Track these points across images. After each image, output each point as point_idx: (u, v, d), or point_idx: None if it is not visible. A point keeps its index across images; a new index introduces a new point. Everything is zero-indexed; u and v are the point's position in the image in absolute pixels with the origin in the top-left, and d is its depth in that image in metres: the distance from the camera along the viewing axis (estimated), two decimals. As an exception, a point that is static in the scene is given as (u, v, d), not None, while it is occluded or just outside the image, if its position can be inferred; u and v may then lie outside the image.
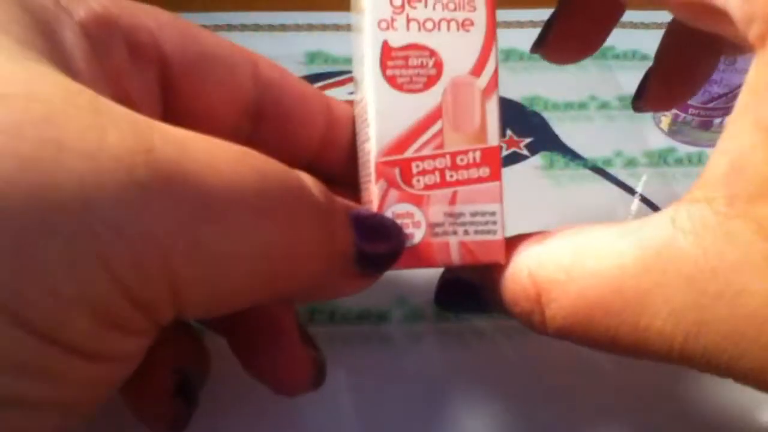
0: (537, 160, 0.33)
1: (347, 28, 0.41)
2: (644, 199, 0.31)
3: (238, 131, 0.20)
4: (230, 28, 0.40)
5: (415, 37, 0.18)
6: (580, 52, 0.23)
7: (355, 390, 0.24)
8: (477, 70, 0.19)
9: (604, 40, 0.23)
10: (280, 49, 0.39)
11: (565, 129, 0.35)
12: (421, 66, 0.18)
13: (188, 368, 0.19)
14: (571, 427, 0.23)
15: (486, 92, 0.19)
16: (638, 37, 0.41)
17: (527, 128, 0.35)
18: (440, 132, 0.18)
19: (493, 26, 0.19)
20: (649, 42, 0.41)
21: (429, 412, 0.23)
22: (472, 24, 0.19)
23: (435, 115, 0.18)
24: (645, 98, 0.23)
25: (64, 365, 0.12)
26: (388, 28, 0.18)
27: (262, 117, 0.20)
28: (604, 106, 0.36)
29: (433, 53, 0.18)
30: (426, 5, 0.18)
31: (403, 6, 0.18)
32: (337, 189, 0.19)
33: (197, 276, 0.13)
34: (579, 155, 0.33)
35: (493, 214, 0.19)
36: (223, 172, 0.13)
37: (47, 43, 0.14)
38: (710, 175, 0.15)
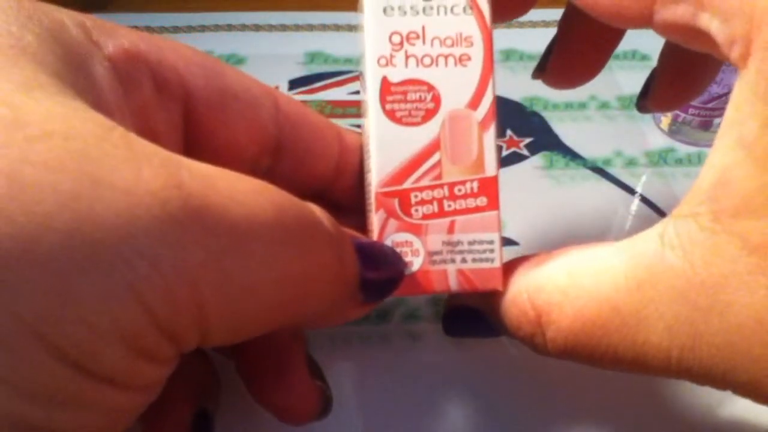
0: (537, 160, 0.33)
1: (347, 28, 0.41)
2: (644, 199, 0.31)
3: (257, 165, 0.20)
4: (230, 28, 0.40)
5: (413, 72, 0.19)
6: (580, 77, 0.23)
7: (354, 389, 0.24)
8: (474, 103, 0.19)
9: (604, 64, 0.23)
10: (280, 49, 0.39)
11: (565, 129, 0.35)
12: (420, 100, 0.19)
13: (206, 402, 0.19)
14: (571, 427, 0.23)
15: (483, 124, 0.19)
16: (638, 37, 0.41)
17: (527, 128, 0.35)
18: (438, 163, 0.19)
19: (490, 60, 0.19)
20: (649, 42, 0.41)
21: (428, 412, 0.23)
22: (469, 59, 0.19)
23: (433, 147, 0.19)
24: (650, 99, 0.23)
25: (95, 395, 0.12)
26: (387, 64, 0.19)
27: (280, 151, 0.20)
28: (604, 106, 0.36)
29: (431, 88, 0.19)
30: (424, 42, 0.19)
31: (401, 43, 0.19)
32: (346, 216, 0.20)
33: (223, 305, 0.13)
34: (579, 155, 0.33)
35: (491, 242, 0.19)
36: (245, 205, 0.14)
37: (80, 77, 0.14)
38: (696, 191, 0.15)
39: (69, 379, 0.12)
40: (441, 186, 0.19)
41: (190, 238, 0.12)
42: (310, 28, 0.41)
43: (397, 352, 0.25)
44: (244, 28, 0.40)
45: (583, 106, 0.36)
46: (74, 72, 0.14)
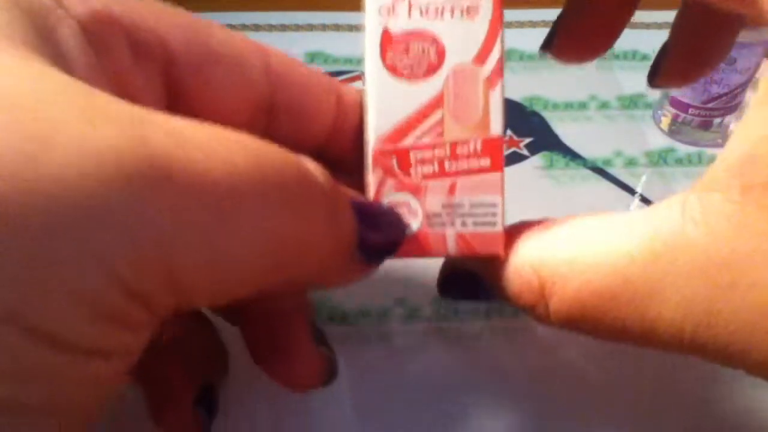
0: (537, 160, 0.33)
1: (347, 28, 0.41)
2: (644, 199, 0.31)
3: (251, 126, 0.19)
4: (230, 27, 0.40)
5: (416, 23, 0.18)
6: (589, 52, 0.22)
7: (354, 389, 0.24)
8: (480, 58, 0.18)
9: (614, 39, 0.22)
10: (280, 49, 0.39)
11: (565, 129, 0.35)
12: (423, 54, 0.18)
13: (210, 377, 0.19)
14: (571, 427, 0.23)
15: (489, 81, 0.18)
16: (638, 37, 0.41)
17: (527, 128, 0.35)
18: (441, 121, 0.18)
19: (499, 14, 0.18)
20: (649, 42, 0.41)
21: (428, 411, 0.23)
22: (477, 11, 0.18)
23: (435, 104, 0.18)
24: (661, 73, 0.22)
25: (63, 365, 0.12)
26: (389, 14, 0.18)
27: (274, 110, 0.20)
28: (604, 106, 0.36)
29: (435, 40, 0.18)
30: None
31: None
32: (345, 176, 0.19)
33: (198, 268, 0.13)
34: (579, 155, 0.33)
35: (493, 205, 0.18)
36: (220, 160, 0.13)
37: (42, 40, 0.13)
38: (724, 164, 0.14)
39: (33, 351, 0.11)
40: (442, 145, 0.18)
41: (155, 198, 0.12)
42: (310, 28, 0.41)
43: (397, 352, 0.25)
44: (244, 28, 0.40)
45: (583, 106, 0.36)
46: (36, 35, 0.13)
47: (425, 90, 0.18)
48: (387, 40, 0.18)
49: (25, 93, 0.11)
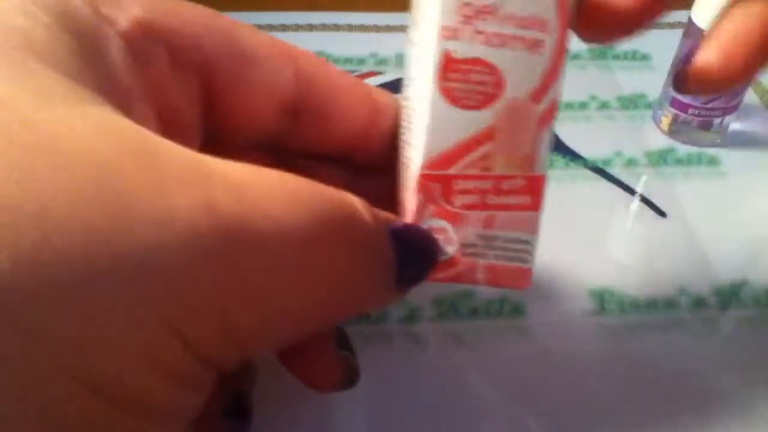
0: (537, 160, 0.33)
1: (347, 28, 0.41)
2: (644, 199, 0.31)
3: (277, 127, 0.19)
4: (230, 28, 0.40)
5: (479, 51, 0.17)
6: (616, 27, 0.19)
7: (355, 390, 0.24)
8: (537, 95, 0.18)
9: (650, 15, 0.20)
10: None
11: (565, 129, 0.35)
12: (481, 83, 0.17)
13: (239, 385, 0.19)
14: (570, 426, 0.23)
15: (542, 121, 0.18)
16: (638, 37, 0.41)
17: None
18: (489, 154, 0.18)
19: (562, 52, 0.18)
20: (649, 42, 0.41)
21: (428, 411, 0.23)
22: (541, 46, 0.17)
23: (486, 136, 0.18)
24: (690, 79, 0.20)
25: (123, 424, 0.12)
26: (452, 38, 0.17)
27: (302, 112, 0.20)
28: (604, 106, 0.36)
29: (494, 71, 0.17)
30: (496, 18, 0.17)
31: (472, 16, 0.17)
32: (371, 179, 0.19)
33: (258, 323, 0.13)
34: (579, 155, 0.33)
35: (527, 242, 0.19)
36: (281, 220, 0.13)
37: (94, 68, 0.13)
38: None
39: (94, 409, 0.11)
40: (488, 177, 0.18)
41: (223, 265, 0.12)
42: (310, 28, 0.41)
43: (397, 353, 0.25)
44: (244, 28, 0.40)
45: (583, 106, 0.36)
46: (88, 63, 0.13)
47: (478, 120, 0.18)
48: (447, 64, 0.17)
49: (99, 160, 0.11)
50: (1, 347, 0.10)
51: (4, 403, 0.11)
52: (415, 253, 0.17)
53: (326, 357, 0.19)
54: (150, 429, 0.13)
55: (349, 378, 0.20)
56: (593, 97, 0.37)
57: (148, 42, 0.16)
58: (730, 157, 0.34)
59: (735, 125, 0.35)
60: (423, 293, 0.27)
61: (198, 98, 0.18)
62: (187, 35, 0.17)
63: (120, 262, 0.11)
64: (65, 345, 0.11)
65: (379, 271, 0.16)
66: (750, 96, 0.37)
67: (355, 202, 0.15)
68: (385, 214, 0.17)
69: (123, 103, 0.13)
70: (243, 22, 0.19)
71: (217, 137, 0.19)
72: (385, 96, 0.21)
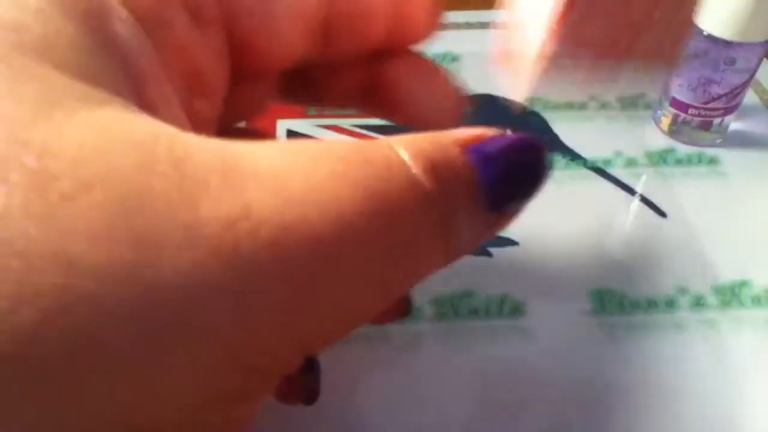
0: (537, 160, 0.33)
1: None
2: (644, 199, 0.31)
3: (305, 51, 0.18)
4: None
5: None
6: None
7: (354, 389, 0.24)
8: None
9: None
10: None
11: (565, 129, 0.35)
12: None
13: None
14: (570, 426, 0.23)
15: None
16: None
17: (527, 128, 0.35)
18: None
19: None
20: (649, 42, 0.41)
21: (428, 412, 0.23)
22: None
23: None
24: None
25: None
26: None
27: (329, 31, 0.18)
28: (604, 106, 0.36)
29: None
30: None
31: None
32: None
33: (318, 326, 0.12)
34: (579, 155, 0.33)
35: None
36: (325, 208, 0.11)
37: (100, 56, 0.12)
38: None
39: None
40: None
41: (271, 276, 0.11)
42: (310, 27, 0.41)
43: (397, 352, 0.25)
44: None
45: (583, 106, 0.36)
46: (93, 52, 0.11)
47: None
48: None
49: (114, 179, 0.10)
50: (39, 409, 0.09)
51: None
52: (511, 172, 0.14)
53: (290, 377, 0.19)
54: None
55: (309, 399, 0.21)
56: (593, 97, 0.37)
57: (164, 7, 0.14)
58: (730, 157, 0.34)
59: (735, 125, 0.35)
60: (423, 293, 0.27)
61: (222, 50, 0.16)
62: None
63: (155, 297, 0.10)
64: (106, 400, 0.10)
65: (457, 223, 0.13)
66: (750, 96, 0.37)
67: (405, 157, 0.13)
68: (458, 134, 0.14)
69: (138, 89, 0.12)
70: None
71: (242, 77, 0.17)
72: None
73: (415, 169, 0.12)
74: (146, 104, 0.12)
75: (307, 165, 0.11)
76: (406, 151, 0.12)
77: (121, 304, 0.09)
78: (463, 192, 0.13)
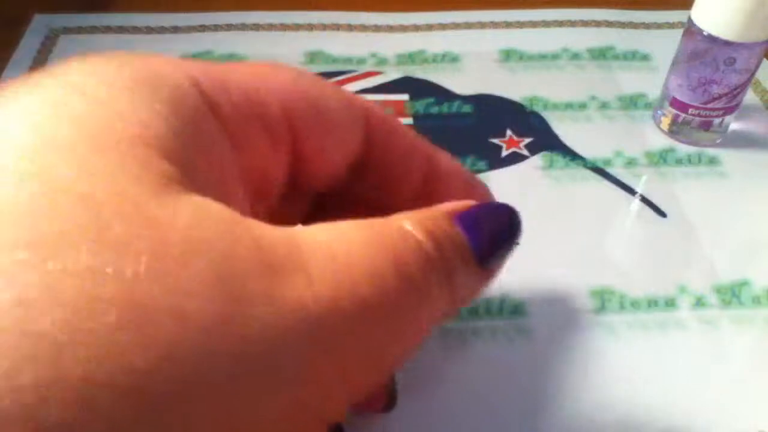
0: (537, 160, 0.33)
1: (347, 28, 0.41)
2: (644, 199, 0.31)
3: (343, 180, 0.20)
4: (230, 27, 0.40)
5: None
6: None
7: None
8: None
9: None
10: (280, 49, 0.39)
11: (565, 129, 0.35)
12: None
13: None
14: (571, 426, 0.23)
15: None
16: (638, 37, 0.41)
17: (527, 128, 0.35)
18: None
19: None
20: (649, 42, 0.41)
21: (428, 412, 0.23)
22: None
23: None
24: None
25: None
26: None
27: (365, 170, 0.20)
28: (604, 106, 0.36)
29: None
30: None
31: None
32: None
33: (370, 379, 0.14)
34: (579, 155, 0.33)
35: None
36: (372, 279, 0.14)
37: (200, 159, 0.14)
38: None
39: None
40: None
41: (332, 330, 0.13)
42: (310, 27, 0.41)
43: (397, 353, 0.25)
44: (244, 27, 0.40)
45: (583, 106, 0.36)
46: (195, 154, 0.14)
47: None
48: None
49: (212, 249, 0.12)
50: None
51: None
52: (493, 231, 0.17)
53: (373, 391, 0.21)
54: None
55: (390, 404, 0.22)
56: (593, 97, 0.37)
57: (249, 126, 0.16)
58: (730, 157, 0.34)
59: (735, 125, 0.35)
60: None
61: (288, 166, 0.18)
62: (279, 106, 0.17)
63: (248, 346, 0.12)
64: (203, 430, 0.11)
65: (456, 278, 0.16)
66: (750, 96, 0.37)
67: (420, 236, 0.16)
68: (441, 209, 0.17)
69: (222, 190, 0.14)
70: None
71: (291, 188, 0.19)
72: (446, 159, 0.21)
73: (420, 236, 0.15)
74: (228, 202, 0.14)
75: (346, 238, 0.14)
76: (409, 221, 0.15)
77: (222, 351, 0.11)
78: (459, 254, 0.16)
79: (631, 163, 0.33)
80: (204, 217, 0.12)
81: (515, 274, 0.28)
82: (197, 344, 0.11)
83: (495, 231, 0.17)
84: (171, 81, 0.14)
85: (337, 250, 0.14)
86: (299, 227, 0.14)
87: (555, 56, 0.39)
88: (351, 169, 0.20)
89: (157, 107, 0.13)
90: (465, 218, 0.17)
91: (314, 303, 0.13)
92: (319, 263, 0.13)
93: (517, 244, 0.18)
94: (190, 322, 0.11)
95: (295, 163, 0.18)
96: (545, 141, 0.34)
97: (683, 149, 0.34)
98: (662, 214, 0.31)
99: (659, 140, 0.34)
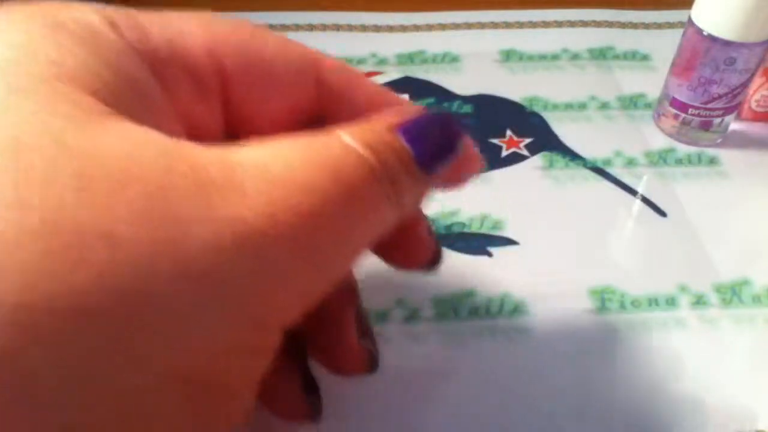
0: (537, 160, 0.33)
1: (347, 28, 0.41)
2: (644, 199, 0.31)
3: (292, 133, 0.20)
4: (230, 28, 0.40)
5: None
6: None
7: (354, 390, 0.24)
8: None
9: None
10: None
11: (565, 129, 0.35)
12: None
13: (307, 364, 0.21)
14: (569, 426, 0.23)
15: None
16: (638, 37, 0.41)
17: (527, 128, 0.35)
18: None
19: None
20: (649, 42, 0.41)
21: (428, 412, 0.23)
22: None
23: None
24: None
25: (194, 403, 0.13)
26: None
27: (326, 123, 0.19)
28: (603, 106, 0.36)
29: None
30: None
31: None
32: None
33: (316, 286, 0.15)
34: (579, 155, 0.33)
35: None
36: (309, 192, 0.14)
37: (124, 93, 0.14)
38: None
39: (185, 396, 0.13)
40: None
41: (270, 240, 0.13)
42: (310, 28, 0.41)
43: (397, 353, 0.25)
44: (244, 28, 0.40)
45: (583, 106, 0.36)
46: (118, 88, 0.14)
47: None
48: None
49: (145, 175, 0.12)
50: (95, 351, 0.11)
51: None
52: (434, 138, 0.17)
53: (349, 348, 0.21)
54: (225, 402, 0.14)
55: (371, 363, 0.22)
56: (593, 97, 0.37)
57: (172, 69, 0.16)
58: (730, 157, 0.34)
59: (735, 125, 0.35)
60: (423, 293, 0.27)
61: (221, 117, 0.18)
62: (207, 55, 0.17)
63: (185, 264, 0.12)
64: (149, 345, 0.12)
65: (401, 187, 0.16)
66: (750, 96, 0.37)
67: (359, 147, 0.16)
68: (381, 121, 0.17)
69: (157, 123, 0.14)
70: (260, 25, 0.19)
71: (236, 136, 0.19)
72: (412, 109, 0.20)
73: (360, 148, 0.15)
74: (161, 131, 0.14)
75: (283, 155, 0.14)
76: (349, 135, 0.16)
77: (161, 272, 0.12)
78: (401, 163, 0.16)
79: (631, 163, 0.33)
80: (135, 144, 0.13)
81: (515, 274, 0.28)
82: (132, 266, 0.11)
83: (436, 138, 0.18)
84: (88, 22, 0.14)
85: (273, 166, 0.14)
86: (234, 147, 0.14)
87: (555, 56, 0.39)
88: (309, 122, 0.19)
89: (76, 49, 0.14)
90: (406, 128, 0.17)
91: (253, 217, 0.13)
92: (254, 179, 0.13)
93: (459, 149, 0.18)
94: (123, 246, 0.11)
95: (232, 112, 0.18)
96: (545, 141, 0.34)
97: (683, 149, 0.34)
98: (662, 213, 0.31)
99: (659, 140, 0.34)
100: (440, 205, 0.30)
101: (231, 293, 0.13)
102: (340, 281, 0.16)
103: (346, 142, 0.15)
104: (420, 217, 0.21)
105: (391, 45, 0.40)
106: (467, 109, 0.36)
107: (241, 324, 0.13)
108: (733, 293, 0.28)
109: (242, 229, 0.13)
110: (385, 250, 0.21)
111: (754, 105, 0.35)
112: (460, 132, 0.18)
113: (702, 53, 0.31)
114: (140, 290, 0.11)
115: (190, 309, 0.12)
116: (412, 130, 0.17)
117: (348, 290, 0.21)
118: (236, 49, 0.17)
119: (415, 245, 0.21)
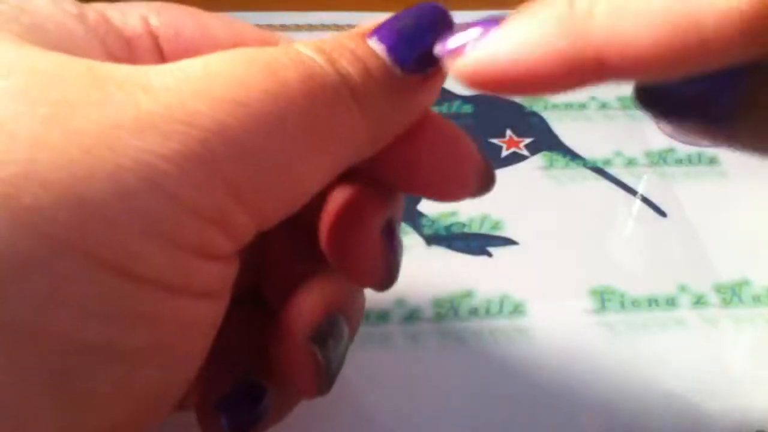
0: (537, 160, 0.33)
1: (347, 28, 0.41)
2: (644, 199, 0.31)
3: None
4: (230, 28, 0.40)
5: None
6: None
7: (354, 390, 0.24)
8: None
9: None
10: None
11: (565, 129, 0.35)
12: None
13: (251, 374, 0.18)
14: (570, 425, 0.23)
15: None
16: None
17: (527, 128, 0.35)
18: None
19: None
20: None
21: (428, 412, 0.23)
22: None
23: None
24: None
25: (152, 303, 0.12)
26: None
27: None
28: (604, 106, 0.36)
29: None
30: None
31: None
32: None
33: (249, 178, 0.13)
34: (579, 155, 0.33)
35: None
36: (224, 78, 0.13)
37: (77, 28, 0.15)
38: None
39: (120, 289, 0.12)
40: None
41: (193, 133, 0.12)
42: (310, 28, 0.41)
43: (397, 353, 0.25)
44: (243, 28, 0.40)
45: (583, 106, 0.36)
46: (55, 38, 0.14)
47: None
48: None
49: (36, 68, 0.12)
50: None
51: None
52: (410, 29, 0.16)
53: (368, 248, 0.18)
54: (177, 305, 0.13)
55: (392, 274, 0.19)
56: (593, 97, 0.37)
57: (102, 26, 0.16)
58: (730, 157, 0.34)
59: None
60: (423, 293, 0.27)
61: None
62: (141, 25, 0.17)
63: (73, 140, 0.11)
64: (59, 223, 0.11)
65: (363, 91, 0.15)
66: (750, 96, 0.37)
67: (304, 50, 0.15)
68: (356, 31, 0.16)
69: (107, 51, 0.15)
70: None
71: None
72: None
73: (311, 54, 0.14)
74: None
75: (210, 59, 0.13)
76: (307, 46, 0.15)
77: (46, 142, 0.11)
78: (359, 66, 0.15)
79: (631, 163, 0.33)
80: (29, 51, 0.13)
81: (515, 274, 0.28)
82: (17, 152, 0.11)
83: (413, 28, 0.16)
84: None
85: (191, 67, 0.13)
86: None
87: (555, 56, 0.39)
88: None
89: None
90: (378, 29, 0.16)
91: (151, 103, 0.12)
92: (161, 75, 0.13)
93: (437, 37, 0.16)
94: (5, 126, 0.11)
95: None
96: (545, 141, 0.34)
97: (683, 149, 0.34)
98: (662, 213, 0.31)
99: (659, 140, 0.34)
100: (440, 205, 0.30)
101: (135, 169, 0.12)
102: (318, 191, 0.15)
103: (297, 50, 0.14)
104: (457, 134, 0.19)
105: (391, 45, 0.40)
106: (467, 109, 0.36)
107: (153, 205, 0.12)
108: (733, 293, 0.28)
109: (136, 114, 0.12)
110: (426, 178, 0.18)
111: None
112: (436, 18, 0.17)
113: (702, 53, 0.31)
114: (32, 166, 0.11)
115: (87, 182, 0.11)
116: (383, 29, 0.16)
117: (377, 197, 0.18)
118: (169, 18, 0.18)
119: (457, 163, 0.19)
